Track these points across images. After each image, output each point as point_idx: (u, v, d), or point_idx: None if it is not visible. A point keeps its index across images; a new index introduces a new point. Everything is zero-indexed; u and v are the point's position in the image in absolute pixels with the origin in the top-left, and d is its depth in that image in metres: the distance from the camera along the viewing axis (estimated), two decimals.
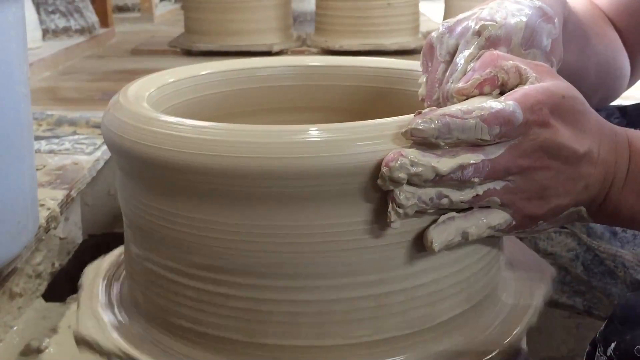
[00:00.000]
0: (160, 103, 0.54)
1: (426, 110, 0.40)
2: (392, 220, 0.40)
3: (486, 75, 0.42)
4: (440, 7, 2.74)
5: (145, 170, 0.45)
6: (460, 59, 0.46)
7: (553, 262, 0.73)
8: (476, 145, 0.40)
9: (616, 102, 0.72)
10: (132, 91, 0.51)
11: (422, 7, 2.26)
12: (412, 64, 0.61)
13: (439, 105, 0.45)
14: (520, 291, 0.52)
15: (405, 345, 0.44)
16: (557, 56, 0.49)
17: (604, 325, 0.41)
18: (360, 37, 2.00)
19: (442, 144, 0.39)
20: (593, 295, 0.72)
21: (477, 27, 0.46)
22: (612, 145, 0.44)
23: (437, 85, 0.47)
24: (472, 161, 0.39)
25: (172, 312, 0.46)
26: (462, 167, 0.39)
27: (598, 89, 0.65)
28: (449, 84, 0.45)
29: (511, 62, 0.43)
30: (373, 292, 0.43)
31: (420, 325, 0.45)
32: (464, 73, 0.45)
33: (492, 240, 0.48)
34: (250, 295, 0.43)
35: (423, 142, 0.39)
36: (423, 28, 2.15)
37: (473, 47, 0.46)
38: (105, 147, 1.11)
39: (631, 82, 0.70)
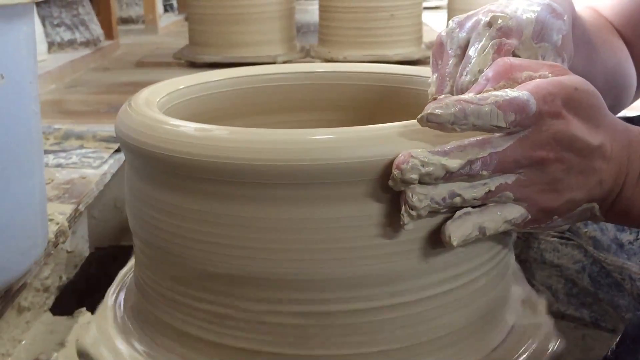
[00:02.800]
0: (168, 102, 0.55)
1: (442, 96, 0.41)
2: (405, 222, 0.40)
3: (499, 87, 0.42)
4: (444, 18, 2.76)
5: (153, 165, 0.45)
6: (473, 51, 0.46)
7: (560, 274, 0.73)
8: (484, 136, 0.40)
9: (622, 114, 0.73)
10: (144, 94, 0.53)
11: (425, 18, 2.27)
12: (419, 69, 0.62)
13: None
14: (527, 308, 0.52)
15: (411, 357, 0.45)
16: (567, 52, 0.49)
17: (615, 343, 0.41)
18: (364, 48, 2.01)
19: (458, 130, 0.39)
20: (600, 307, 0.72)
21: (487, 19, 0.46)
22: (625, 142, 0.44)
23: (447, 79, 0.47)
24: (479, 155, 0.39)
25: (182, 323, 0.47)
26: (470, 162, 0.39)
27: (605, 97, 0.65)
28: (463, 76, 0.45)
29: (526, 72, 0.42)
30: (381, 302, 0.43)
31: (429, 336, 0.45)
32: (479, 65, 0.45)
33: (503, 250, 0.48)
34: (256, 304, 0.43)
35: (439, 128, 0.39)
36: (426, 39, 2.16)
37: (485, 38, 0.46)
38: (112, 160, 1.12)
39: (638, 94, 0.71)
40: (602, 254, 0.67)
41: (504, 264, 0.49)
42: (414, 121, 0.41)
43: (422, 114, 0.39)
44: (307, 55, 2.15)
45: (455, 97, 0.40)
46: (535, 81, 0.41)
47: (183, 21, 3.18)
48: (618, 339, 0.41)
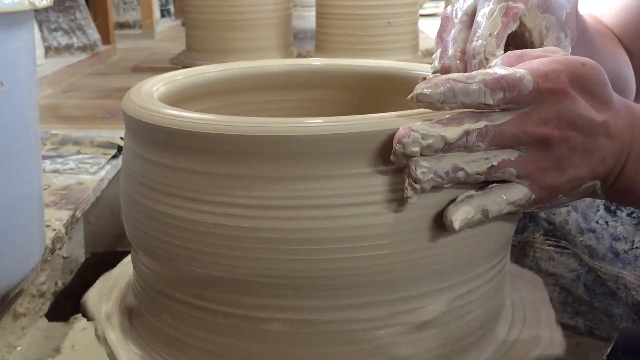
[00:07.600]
0: (166, 82, 0.56)
1: (431, 76, 0.41)
2: (409, 195, 0.40)
3: None
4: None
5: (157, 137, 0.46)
6: (481, 16, 0.46)
7: (555, 283, 0.73)
8: (481, 110, 0.40)
9: None
10: (146, 83, 0.54)
11: (422, 25, 2.28)
12: (415, 65, 0.62)
13: (457, 68, 0.46)
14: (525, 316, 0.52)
15: None
16: (571, 30, 0.50)
17: (606, 355, 0.41)
18: (360, 55, 2.02)
19: (448, 108, 0.40)
20: (595, 315, 0.72)
21: None
22: (628, 119, 0.44)
23: (451, 43, 0.47)
24: (475, 126, 0.40)
25: (184, 332, 0.47)
26: (467, 133, 0.40)
27: None
28: (474, 42, 0.45)
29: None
30: (377, 312, 0.43)
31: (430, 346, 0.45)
32: (489, 29, 0.45)
33: (501, 260, 0.48)
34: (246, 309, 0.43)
35: (428, 107, 0.40)
36: (422, 46, 2.17)
37: (492, 2, 0.46)
38: (109, 166, 1.12)
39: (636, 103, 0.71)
40: (597, 262, 0.68)
41: (501, 276, 0.49)
42: (409, 111, 0.41)
43: (412, 94, 0.40)
44: None
45: (444, 76, 0.40)
46: (539, 59, 0.41)
47: (180, 26, 3.18)
48: (609, 351, 0.41)
